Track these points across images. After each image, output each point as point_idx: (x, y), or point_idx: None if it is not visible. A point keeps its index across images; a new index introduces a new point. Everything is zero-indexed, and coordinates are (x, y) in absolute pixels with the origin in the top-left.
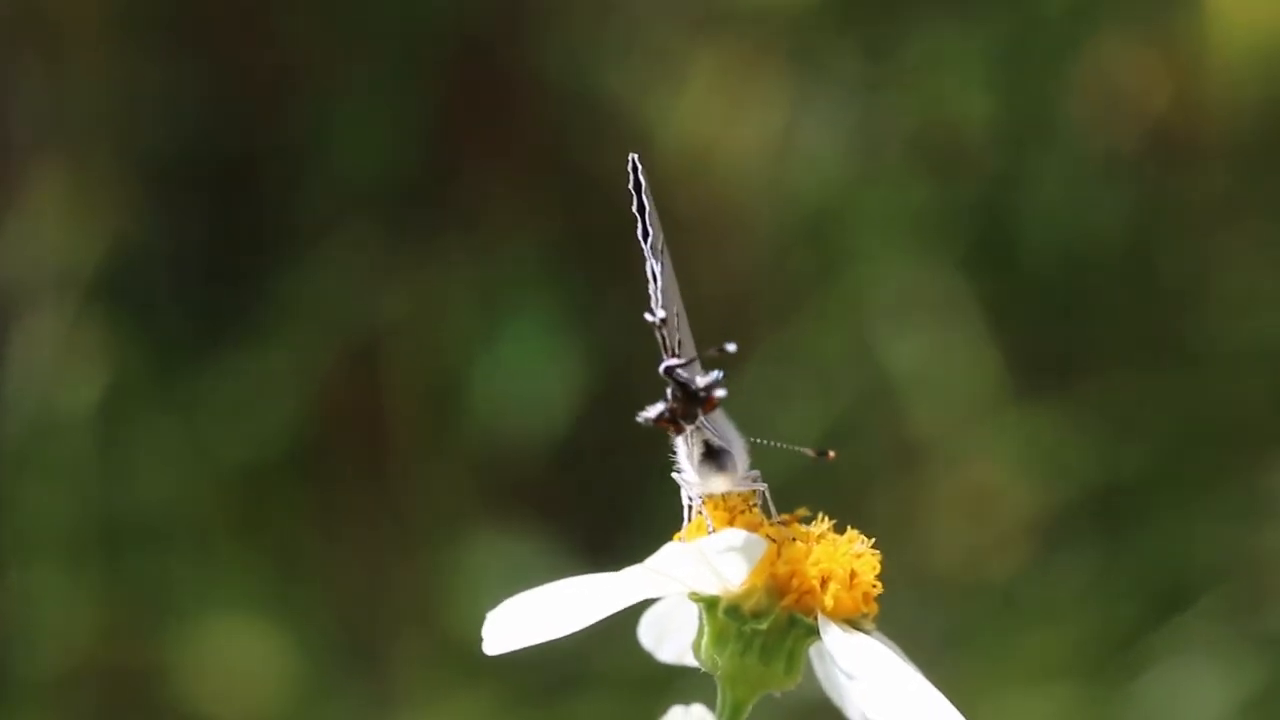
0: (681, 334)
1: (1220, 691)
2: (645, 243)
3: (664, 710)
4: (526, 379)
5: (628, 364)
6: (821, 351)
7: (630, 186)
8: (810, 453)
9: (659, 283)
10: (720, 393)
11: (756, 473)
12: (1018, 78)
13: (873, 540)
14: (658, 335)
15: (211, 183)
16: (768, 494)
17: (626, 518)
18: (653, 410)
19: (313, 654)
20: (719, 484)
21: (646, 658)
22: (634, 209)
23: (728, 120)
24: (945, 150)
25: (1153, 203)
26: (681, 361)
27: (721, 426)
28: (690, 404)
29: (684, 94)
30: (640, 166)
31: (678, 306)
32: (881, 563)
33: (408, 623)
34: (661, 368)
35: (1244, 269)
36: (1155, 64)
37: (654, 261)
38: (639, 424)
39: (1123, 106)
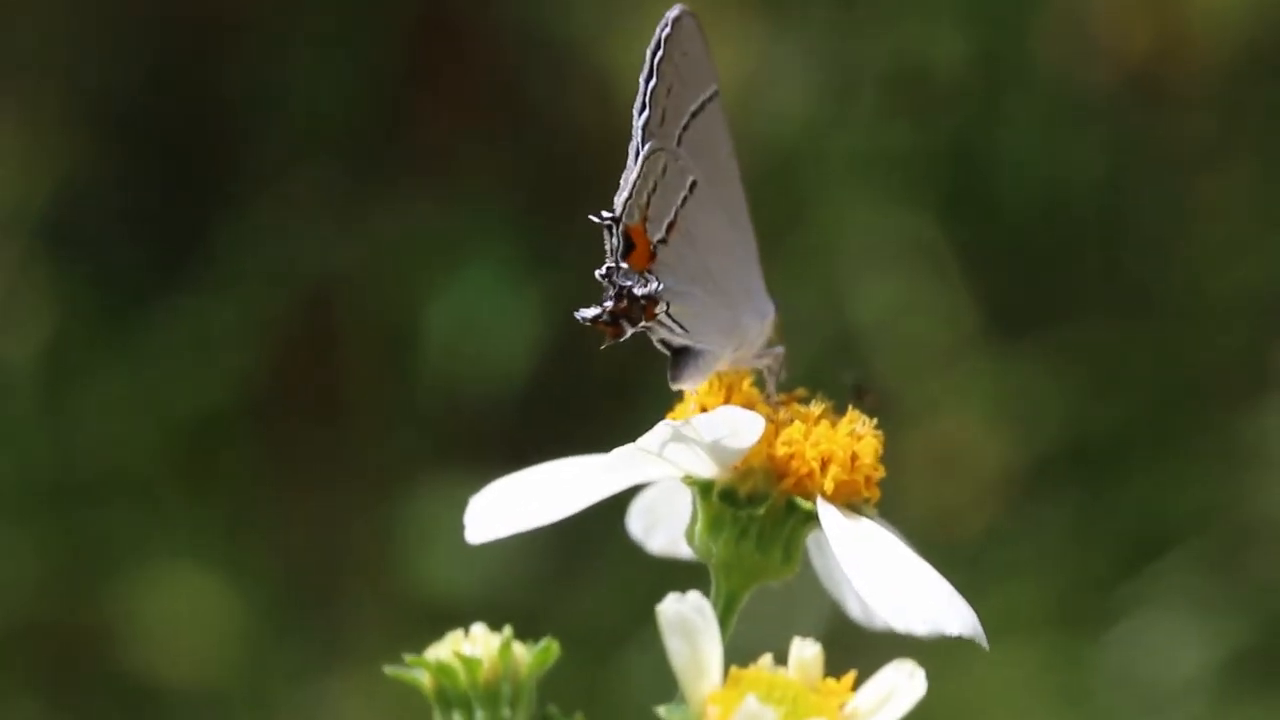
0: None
1: (1194, 641)
2: (637, 118)
3: (620, 660)
4: (484, 328)
5: None
6: (790, 298)
7: (650, 49)
8: (849, 381)
9: (633, 171)
10: (660, 307)
11: (778, 349)
12: (993, 17)
13: (875, 421)
14: (605, 236)
15: (163, 127)
16: (776, 369)
17: None
18: (590, 310)
19: (262, 607)
20: (688, 383)
21: (602, 609)
22: (643, 74)
23: None
24: (919, 93)
25: (1131, 147)
26: (617, 266)
27: (735, 291)
28: (632, 306)
29: (645, 36)
30: (677, 27)
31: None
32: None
33: (361, 575)
34: (599, 272)
35: (1224, 216)
36: (1134, 5)
37: (638, 141)
38: (599, 371)
39: (1101, 48)
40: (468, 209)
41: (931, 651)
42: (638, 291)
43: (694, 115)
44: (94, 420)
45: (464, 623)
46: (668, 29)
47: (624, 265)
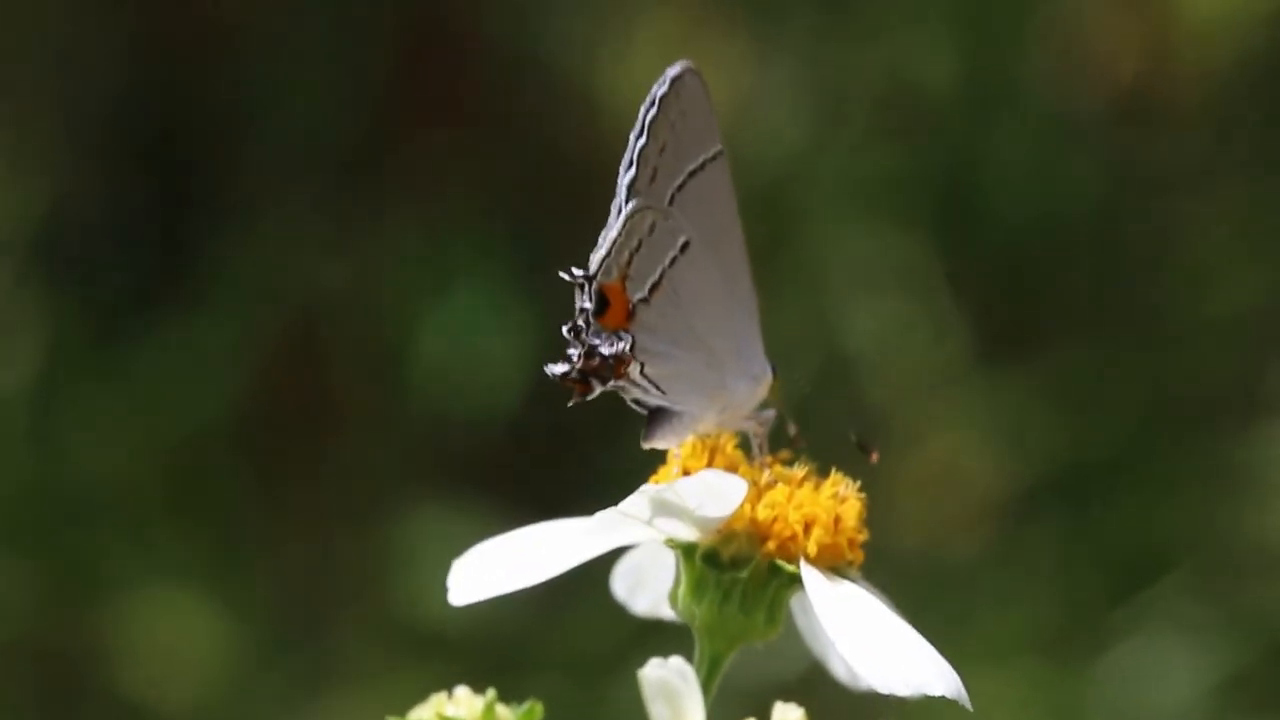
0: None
1: (1187, 666)
2: (622, 176)
3: (615, 689)
4: (473, 349)
5: None
6: (778, 320)
7: (646, 104)
8: (853, 437)
9: (614, 229)
10: (633, 368)
11: (768, 413)
12: (982, 38)
13: (858, 484)
14: (576, 293)
15: (152, 147)
16: (763, 433)
17: (577, 491)
18: (558, 367)
19: (252, 630)
20: (661, 442)
21: (596, 638)
22: (634, 131)
23: None
24: (907, 113)
25: (1121, 168)
26: (587, 324)
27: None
28: (601, 365)
29: (635, 56)
30: (677, 86)
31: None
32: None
33: (350, 599)
34: (565, 328)
35: (1213, 236)
36: (1124, 24)
37: (622, 199)
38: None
39: (1090, 68)
40: (457, 229)
41: None
42: (605, 351)
43: (692, 174)
44: (84, 443)
45: (453, 648)
46: (665, 87)
47: (593, 323)
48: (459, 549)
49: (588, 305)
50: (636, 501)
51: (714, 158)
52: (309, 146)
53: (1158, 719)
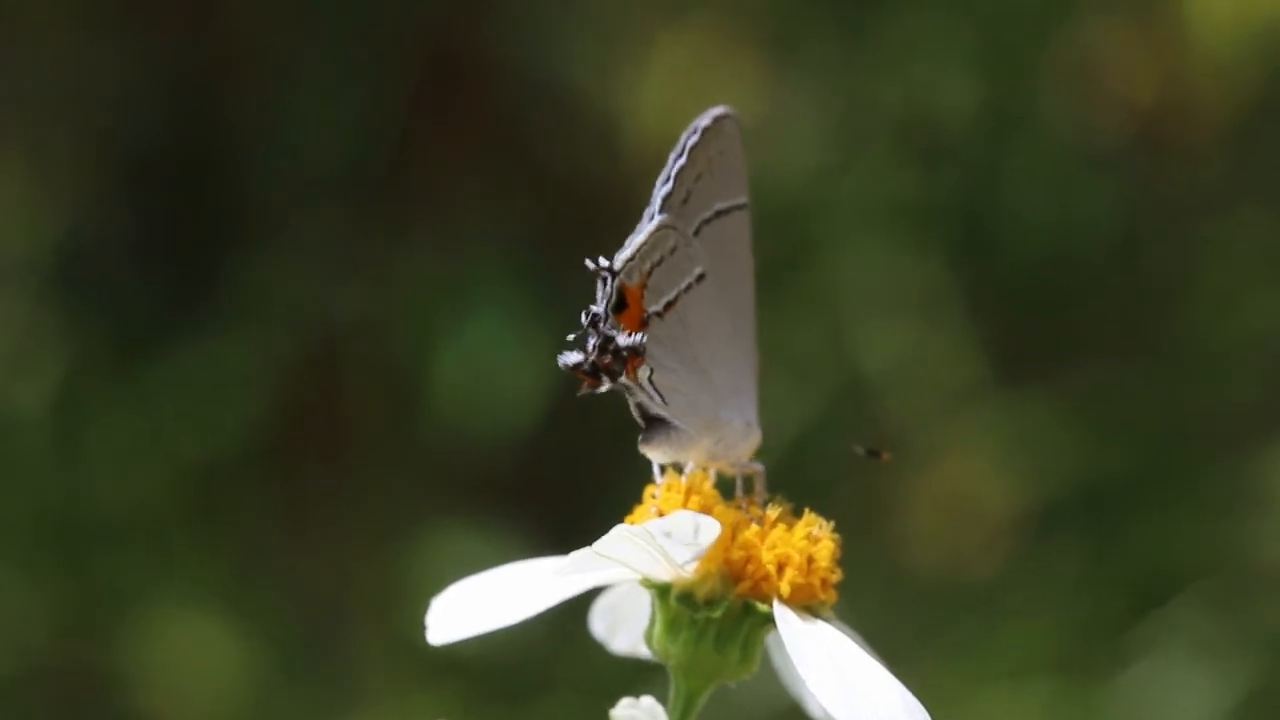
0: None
1: (1205, 685)
2: (659, 188)
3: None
4: (491, 372)
5: None
6: (797, 342)
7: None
8: (860, 450)
9: (641, 235)
10: (643, 371)
11: (759, 466)
12: (1000, 64)
13: (832, 524)
14: (598, 285)
15: (170, 170)
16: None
17: (596, 513)
18: (571, 356)
19: (272, 652)
20: (657, 450)
21: (613, 661)
22: (675, 151)
23: (699, 107)
24: (926, 138)
25: (1138, 193)
26: (605, 314)
27: (724, 390)
28: (614, 360)
29: (652, 80)
30: (720, 125)
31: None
32: (858, 559)
33: (369, 620)
34: (584, 315)
35: (1231, 261)
36: (1140, 52)
37: (655, 209)
38: (607, 418)
39: (1107, 95)
40: (475, 252)
41: (941, 695)
42: (621, 341)
43: (720, 214)
44: (104, 464)
45: (471, 670)
46: (708, 122)
47: (611, 317)
48: (478, 570)
49: (608, 298)
50: (610, 542)
51: (740, 207)
52: (328, 170)
53: None
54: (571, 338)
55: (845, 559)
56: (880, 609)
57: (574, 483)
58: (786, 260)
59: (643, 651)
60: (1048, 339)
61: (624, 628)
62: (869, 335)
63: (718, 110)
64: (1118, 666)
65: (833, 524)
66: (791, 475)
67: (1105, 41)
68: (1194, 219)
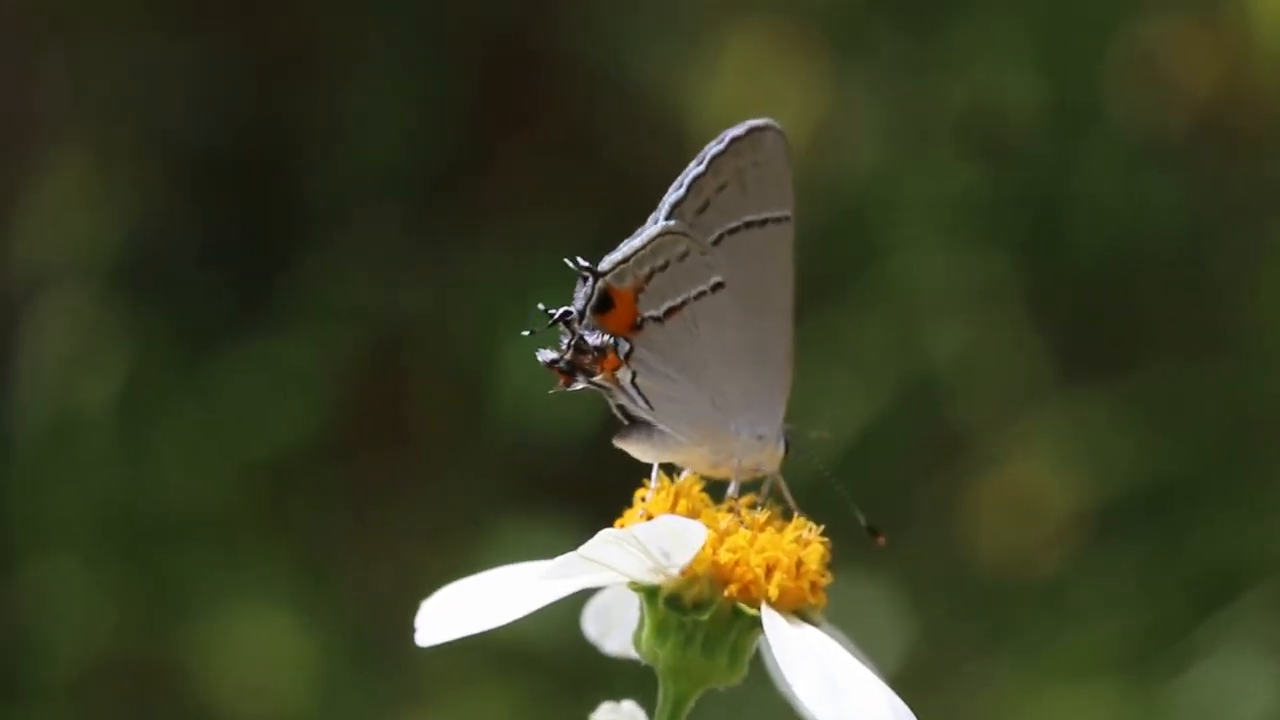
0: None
1: (1267, 685)
2: (669, 194)
3: (696, 711)
4: None
5: None
6: (862, 341)
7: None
8: (861, 521)
9: (639, 239)
10: (624, 373)
11: (768, 470)
12: (1063, 61)
13: (821, 528)
14: (578, 284)
15: (235, 168)
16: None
17: None
18: (548, 354)
19: (338, 646)
20: (632, 447)
21: None
22: (695, 160)
23: (766, 105)
24: (990, 136)
25: (1202, 189)
26: (580, 314)
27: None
28: (582, 358)
29: (720, 79)
30: (756, 136)
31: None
32: (925, 557)
33: None
34: (557, 313)
35: None
36: (1203, 47)
37: (661, 214)
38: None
39: (1170, 91)
40: (540, 249)
41: (1007, 695)
42: (591, 341)
43: (749, 225)
44: (170, 461)
45: (537, 662)
46: (741, 132)
47: (588, 317)
48: None
49: (588, 298)
50: (596, 545)
51: (778, 220)
52: (393, 168)
53: None
54: (526, 333)
55: (913, 556)
56: (946, 608)
57: (635, 480)
58: (852, 259)
59: (635, 653)
60: (1111, 336)
61: (616, 630)
62: (935, 334)
63: (755, 121)
64: (1181, 665)
65: (825, 525)
66: (856, 476)
67: (1168, 37)
68: (1258, 214)
